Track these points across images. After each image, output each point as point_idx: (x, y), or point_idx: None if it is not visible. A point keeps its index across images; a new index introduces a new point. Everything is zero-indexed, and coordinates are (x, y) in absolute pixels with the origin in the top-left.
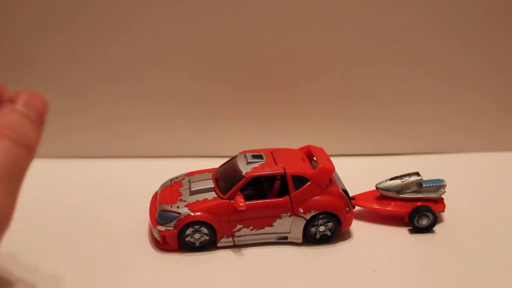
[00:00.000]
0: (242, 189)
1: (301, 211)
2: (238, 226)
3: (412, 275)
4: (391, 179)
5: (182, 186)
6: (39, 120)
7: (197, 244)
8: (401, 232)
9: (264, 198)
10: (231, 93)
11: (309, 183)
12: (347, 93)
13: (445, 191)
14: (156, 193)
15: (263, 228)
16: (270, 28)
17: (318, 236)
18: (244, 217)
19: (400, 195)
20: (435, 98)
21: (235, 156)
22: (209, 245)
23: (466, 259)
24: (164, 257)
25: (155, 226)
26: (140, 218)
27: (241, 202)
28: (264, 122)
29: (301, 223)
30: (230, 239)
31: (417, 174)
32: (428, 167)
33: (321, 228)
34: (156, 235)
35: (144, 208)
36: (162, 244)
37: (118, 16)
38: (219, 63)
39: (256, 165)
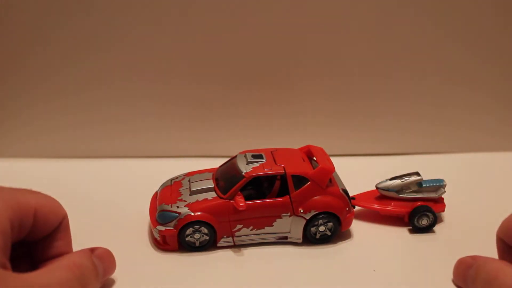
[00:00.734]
0: (242, 189)
1: (301, 211)
2: (238, 226)
3: (412, 275)
4: (391, 179)
5: (182, 186)
6: (102, 275)
7: (197, 244)
8: (401, 232)
9: (264, 198)
10: (231, 93)
11: (309, 183)
12: (347, 93)
13: (445, 191)
14: (156, 193)
15: (263, 228)
16: (270, 28)
17: (318, 236)
18: (244, 217)
19: (400, 195)
20: (435, 98)
21: (235, 156)
22: (209, 245)
23: None
24: (164, 257)
25: (155, 226)
26: (140, 218)
27: (241, 202)
28: (264, 122)
29: (301, 223)
30: (230, 239)
31: (417, 174)
32: (428, 167)
33: (321, 228)
34: (156, 235)
35: (144, 208)
36: (162, 244)
37: (118, 17)
38: (219, 63)
39: (256, 165)
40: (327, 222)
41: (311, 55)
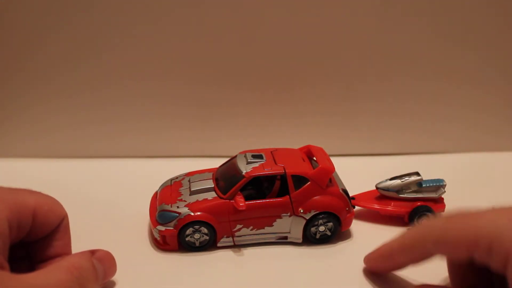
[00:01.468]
0: (242, 189)
1: (301, 211)
2: (238, 226)
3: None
4: (391, 179)
5: (182, 186)
6: (102, 278)
7: (197, 244)
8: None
9: (264, 198)
10: (231, 93)
11: (309, 183)
12: (347, 93)
13: (445, 191)
14: (156, 193)
15: (263, 228)
16: (270, 28)
17: (318, 236)
18: (244, 217)
19: (400, 195)
20: (435, 98)
21: (235, 156)
22: (209, 245)
23: None
24: (164, 257)
25: (155, 226)
26: (140, 218)
27: (241, 202)
28: (264, 122)
29: (301, 223)
30: (230, 239)
31: (417, 174)
32: (428, 167)
33: (321, 228)
34: (156, 235)
35: (144, 208)
36: (162, 244)
37: (118, 17)
38: (219, 62)
39: (256, 165)
40: (327, 222)
41: (311, 55)
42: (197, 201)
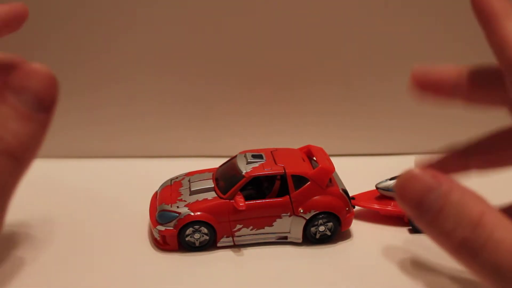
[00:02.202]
0: (242, 189)
1: (301, 211)
2: (238, 226)
3: (412, 275)
4: (391, 179)
5: (182, 186)
6: (37, 108)
7: (197, 244)
8: (401, 232)
9: (264, 198)
10: (231, 93)
11: (309, 183)
12: (347, 93)
13: None
14: (156, 193)
15: (263, 228)
16: (270, 28)
17: (318, 236)
18: (244, 217)
19: None
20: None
21: (235, 156)
22: (209, 245)
23: None
24: (164, 257)
25: (155, 226)
26: (140, 218)
27: (241, 202)
28: (264, 122)
29: (301, 223)
30: (230, 239)
31: None
32: None
33: (321, 228)
34: (156, 235)
35: (144, 208)
36: (162, 244)
37: (118, 16)
38: (219, 62)
39: (256, 165)
40: (327, 222)
41: (312, 55)
42: (197, 201)
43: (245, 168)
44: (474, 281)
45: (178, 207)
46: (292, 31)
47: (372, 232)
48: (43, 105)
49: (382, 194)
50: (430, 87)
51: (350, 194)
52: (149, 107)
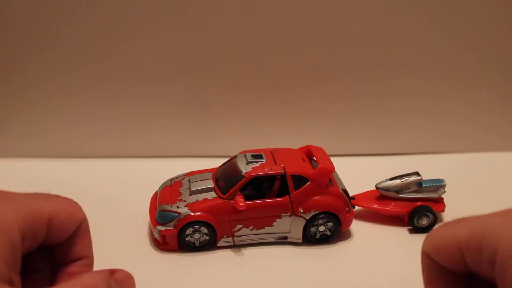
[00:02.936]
0: (242, 189)
1: (301, 211)
2: (238, 226)
3: (412, 275)
4: (391, 179)
5: (182, 186)
6: None
7: (197, 244)
8: (401, 232)
9: (264, 198)
10: (231, 93)
11: (309, 183)
12: (347, 93)
13: (445, 191)
14: (156, 193)
15: (263, 228)
16: (270, 28)
17: (318, 236)
18: (244, 217)
19: (400, 195)
20: (435, 98)
21: (235, 156)
22: (209, 245)
23: None
24: (164, 257)
25: (155, 226)
26: (140, 218)
27: (241, 202)
28: (264, 122)
29: (301, 223)
30: (230, 239)
31: (417, 174)
32: (428, 167)
33: (321, 228)
34: (156, 235)
35: (144, 208)
36: (162, 244)
37: (119, 18)
38: (219, 63)
39: (256, 165)
40: (327, 222)
41: (311, 56)
42: (197, 201)
43: (245, 168)
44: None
45: (178, 207)
46: (292, 32)
47: (372, 232)
48: None
49: (382, 194)
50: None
51: (350, 194)
52: (149, 107)
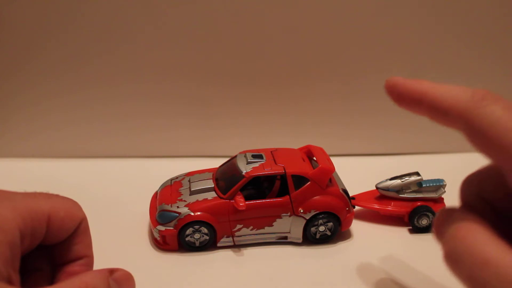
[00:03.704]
0: (242, 189)
1: (301, 211)
2: (238, 226)
3: (412, 275)
4: (391, 179)
5: (182, 186)
6: None
7: (197, 244)
8: (401, 232)
9: (264, 198)
10: (231, 93)
11: (309, 183)
12: (347, 93)
13: (445, 191)
14: (156, 193)
15: (263, 228)
16: (270, 28)
17: (318, 236)
18: (244, 217)
19: (400, 195)
20: None
21: (235, 156)
22: (209, 245)
23: None
24: (164, 257)
25: (155, 226)
26: (140, 218)
27: (241, 202)
28: (264, 122)
29: (301, 223)
30: (230, 239)
31: (417, 174)
32: (428, 167)
33: (321, 228)
34: (156, 235)
35: (144, 208)
36: (162, 244)
37: (118, 16)
38: (219, 62)
39: (256, 165)
40: (327, 222)
41: (311, 55)
42: (197, 201)
43: (245, 168)
44: None
45: (178, 207)
46: (293, 31)
47: (372, 232)
48: None
49: (382, 194)
50: (398, 98)
51: (350, 194)
52: (149, 107)
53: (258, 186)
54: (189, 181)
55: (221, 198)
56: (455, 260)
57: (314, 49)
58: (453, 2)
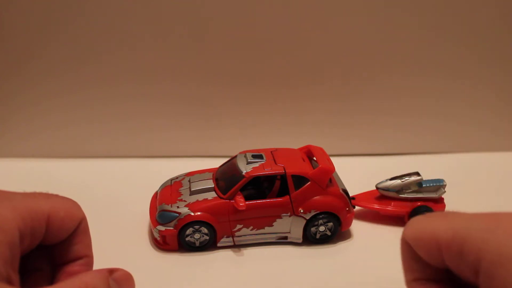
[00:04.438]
0: (242, 189)
1: (301, 211)
2: (238, 226)
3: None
4: (391, 179)
5: (182, 186)
6: None
7: (197, 244)
8: (401, 232)
9: (264, 198)
10: (231, 93)
11: (309, 183)
12: (347, 93)
13: (445, 191)
14: (156, 193)
15: (263, 228)
16: (270, 28)
17: (318, 236)
18: (244, 217)
19: (400, 195)
20: (436, 98)
21: (235, 156)
22: (209, 245)
23: None
24: (164, 257)
25: (155, 226)
26: (140, 218)
27: (241, 202)
28: (264, 122)
29: (301, 223)
30: (230, 239)
31: (417, 174)
32: (428, 167)
33: (321, 228)
34: (156, 235)
35: (144, 208)
36: (162, 244)
37: (118, 17)
38: (219, 62)
39: (256, 165)
40: (327, 222)
41: (311, 55)
42: (197, 201)
43: (245, 168)
44: None
45: (178, 207)
46: (292, 31)
47: (372, 232)
48: None
49: (382, 194)
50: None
51: (350, 194)
52: (150, 107)
53: (258, 186)
54: (189, 181)
55: (221, 198)
56: None
57: (314, 49)
58: (453, 3)
